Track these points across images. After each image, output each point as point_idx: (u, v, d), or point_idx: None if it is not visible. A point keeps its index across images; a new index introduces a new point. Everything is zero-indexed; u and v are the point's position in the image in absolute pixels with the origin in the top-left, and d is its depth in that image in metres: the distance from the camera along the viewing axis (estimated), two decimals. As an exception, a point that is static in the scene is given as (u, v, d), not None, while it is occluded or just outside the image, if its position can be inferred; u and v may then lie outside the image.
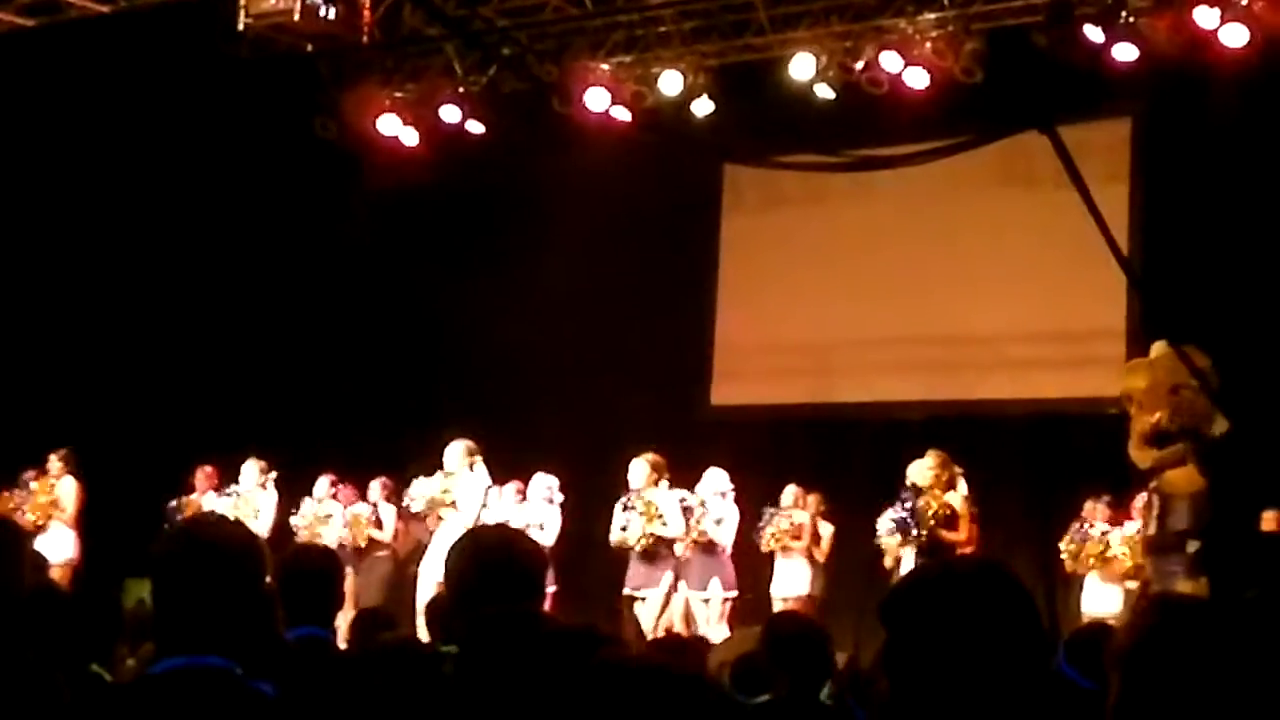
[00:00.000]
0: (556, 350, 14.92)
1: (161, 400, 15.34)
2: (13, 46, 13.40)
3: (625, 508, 11.80)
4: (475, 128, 14.13)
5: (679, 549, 11.94)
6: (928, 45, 12.44)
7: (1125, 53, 11.81)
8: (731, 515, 12.12)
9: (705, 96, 13.40)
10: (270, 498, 13.26)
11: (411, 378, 15.83)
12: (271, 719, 2.94)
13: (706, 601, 11.91)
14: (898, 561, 11.16)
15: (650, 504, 11.66)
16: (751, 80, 13.54)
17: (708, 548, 11.93)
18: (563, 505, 12.57)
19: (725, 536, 12.05)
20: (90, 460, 13.32)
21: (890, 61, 12.56)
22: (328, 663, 4.34)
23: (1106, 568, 12.12)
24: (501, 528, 4.21)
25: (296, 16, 12.26)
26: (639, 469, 11.84)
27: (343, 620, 6.80)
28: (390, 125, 14.20)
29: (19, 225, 14.78)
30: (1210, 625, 2.31)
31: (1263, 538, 10.81)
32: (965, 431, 12.70)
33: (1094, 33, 11.78)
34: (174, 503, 13.18)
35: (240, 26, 12.53)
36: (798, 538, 12.76)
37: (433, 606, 7.23)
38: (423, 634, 7.42)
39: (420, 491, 11.79)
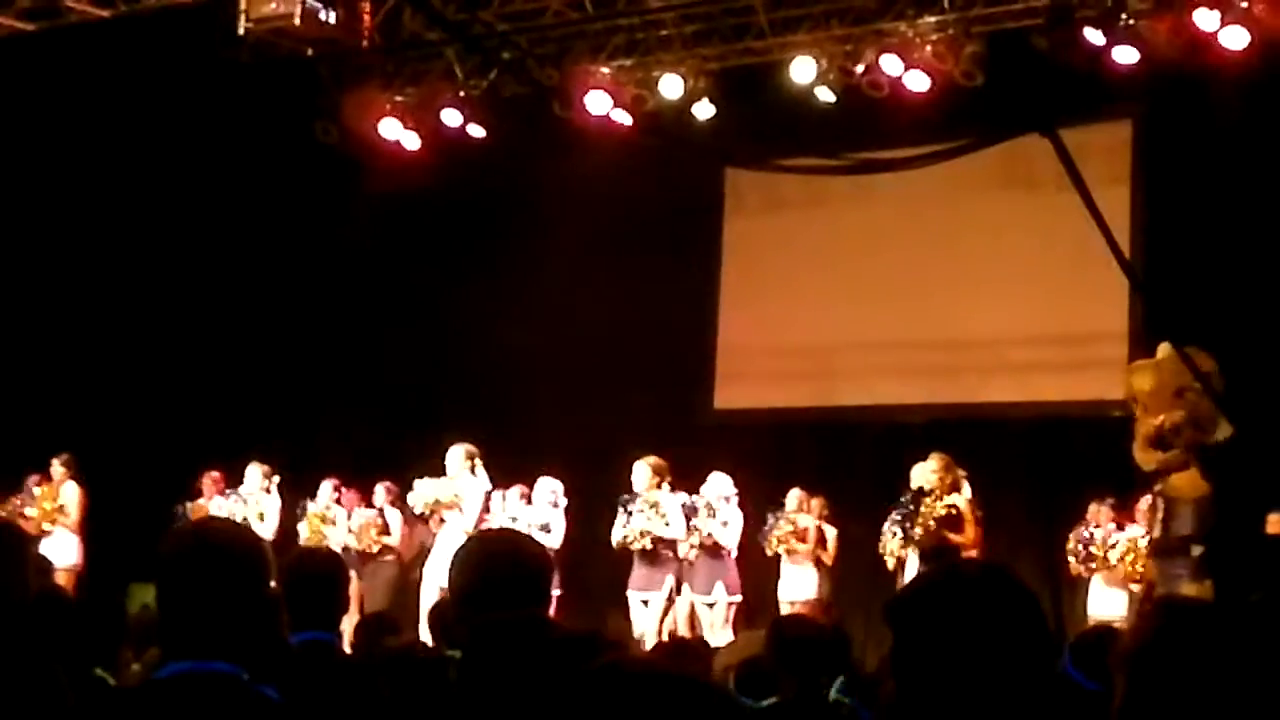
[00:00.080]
0: (559, 354, 14.92)
1: (164, 404, 15.34)
2: (13, 50, 13.40)
3: (626, 508, 11.82)
4: (476, 132, 14.14)
5: (682, 550, 11.95)
6: (928, 48, 12.44)
7: (1125, 55, 11.82)
8: (736, 519, 12.13)
9: (706, 100, 13.41)
10: (274, 502, 13.28)
11: (413, 382, 15.83)
12: (277, 724, 2.94)
13: (711, 605, 11.91)
14: (900, 564, 11.16)
15: (654, 503, 11.69)
16: (752, 83, 13.54)
17: (712, 552, 11.93)
18: (567, 509, 12.59)
19: (729, 540, 12.05)
20: (93, 465, 13.34)
21: (891, 64, 12.56)
22: (332, 667, 4.35)
23: (1111, 571, 12.11)
24: (506, 532, 4.21)
25: (297, 21, 12.26)
26: (641, 472, 11.87)
27: (347, 624, 6.81)
28: (391, 129, 14.22)
29: (21, 230, 14.78)
30: (1215, 628, 2.31)
31: (1267, 541, 10.81)
32: (967, 434, 12.69)
33: (1094, 35, 11.79)
34: (180, 508, 13.18)
35: (241, 31, 12.54)
36: (803, 541, 12.75)
37: (436, 611, 7.24)
38: (426, 638, 7.42)
39: (421, 493, 11.83)
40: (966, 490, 10.98)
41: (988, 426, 13.52)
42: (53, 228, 14.99)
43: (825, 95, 13.00)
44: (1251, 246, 12.50)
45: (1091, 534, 12.24)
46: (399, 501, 13.07)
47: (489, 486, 11.89)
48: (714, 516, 11.94)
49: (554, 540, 12.14)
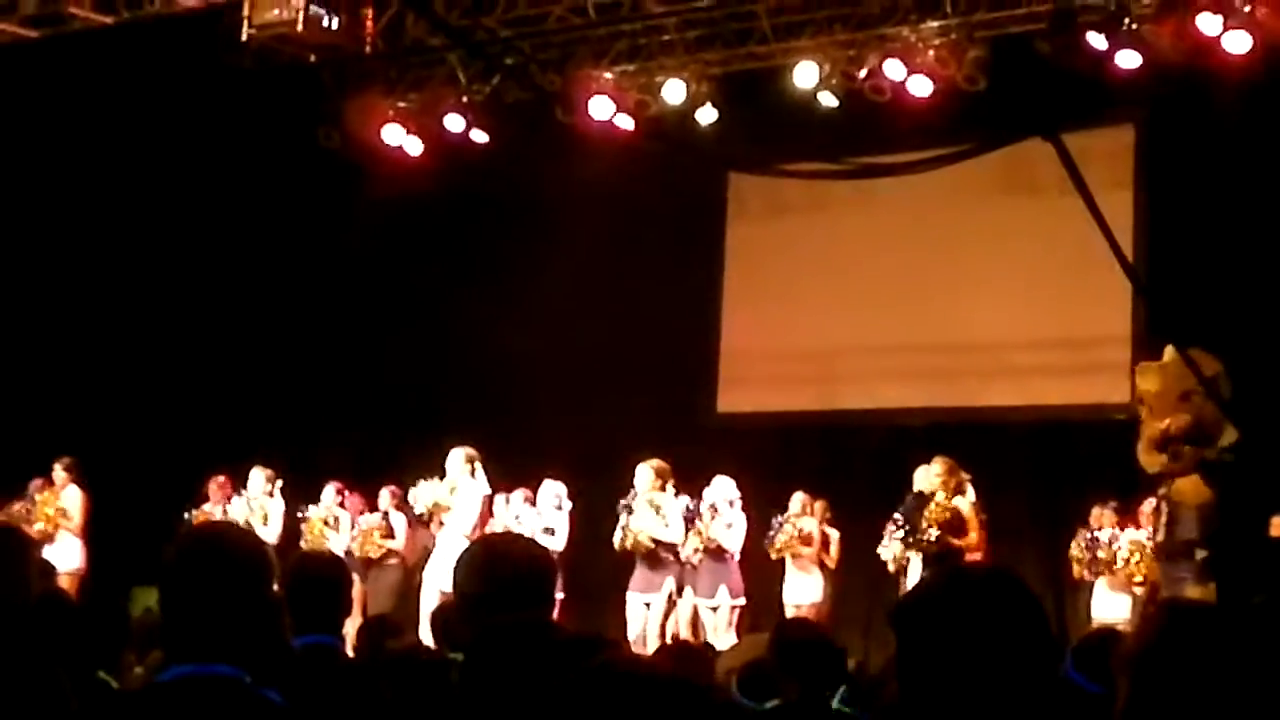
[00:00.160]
0: (562, 358, 14.93)
1: (167, 408, 15.36)
2: (16, 58, 13.42)
3: (626, 508, 11.84)
4: (479, 137, 14.14)
5: (684, 553, 11.95)
6: (931, 53, 12.44)
7: (1128, 60, 11.81)
8: (739, 522, 12.13)
9: (709, 105, 13.41)
10: (277, 506, 13.28)
11: (417, 385, 15.84)
12: (279, 727, 2.94)
13: (714, 609, 11.91)
14: (902, 568, 11.15)
15: (655, 505, 11.71)
16: (755, 88, 13.54)
17: (715, 555, 11.94)
18: (570, 512, 12.60)
19: (733, 543, 12.06)
20: (96, 469, 13.34)
21: (893, 69, 12.56)
22: (335, 670, 4.35)
23: (1115, 574, 12.10)
24: (511, 535, 4.21)
25: (300, 27, 12.27)
26: (644, 474, 11.90)
27: (349, 627, 6.80)
28: (394, 135, 14.23)
29: (25, 235, 14.81)
30: (1218, 631, 2.31)
31: (1271, 544, 10.80)
32: (970, 438, 12.69)
33: (1097, 40, 11.79)
34: (187, 514, 13.16)
35: (244, 37, 12.54)
36: (807, 545, 12.75)
37: (438, 614, 7.24)
38: (428, 641, 7.42)
39: (421, 496, 11.87)
40: (970, 494, 10.98)
41: (990, 430, 13.52)
42: (57, 233, 15.01)
43: (828, 100, 13.01)
44: (1254, 250, 12.50)
45: (1096, 537, 12.23)
46: (404, 505, 13.08)
47: (488, 490, 11.91)
48: (717, 519, 11.95)
49: (558, 543, 12.16)
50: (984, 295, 14.17)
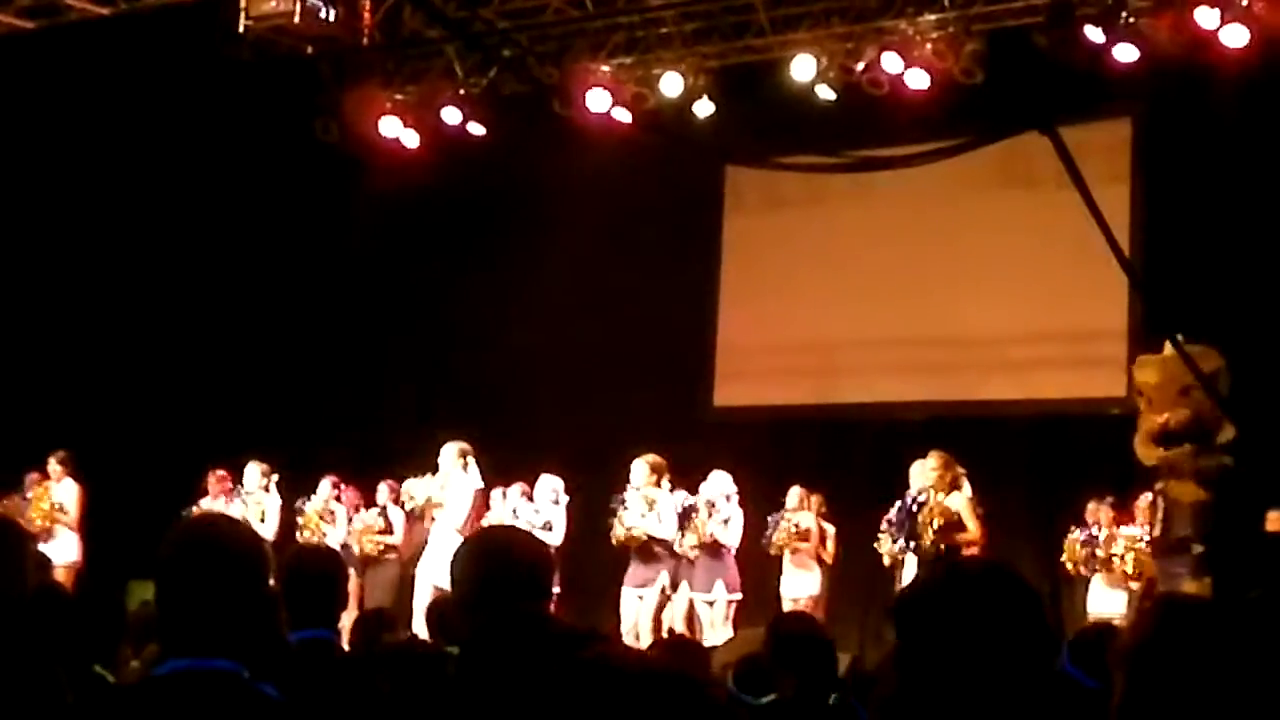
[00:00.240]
0: (559, 352, 14.92)
1: (163, 401, 15.34)
2: (13, 49, 13.40)
3: (620, 503, 11.84)
4: (476, 130, 14.13)
5: (680, 549, 11.94)
6: (928, 46, 12.44)
7: (1126, 53, 11.81)
8: (736, 517, 12.13)
9: (706, 98, 13.40)
10: (274, 501, 13.26)
11: (413, 379, 15.84)
12: (276, 721, 2.94)
13: (711, 604, 11.91)
14: (898, 562, 11.13)
15: (650, 500, 11.71)
16: (752, 81, 13.54)
17: (712, 550, 11.94)
18: (567, 507, 12.59)
19: (731, 539, 12.06)
20: (92, 462, 13.32)
21: (891, 62, 12.56)
22: (332, 664, 4.35)
23: (1111, 573, 12.10)
24: (508, 529, 4.21)
25: (297, 19, 12.25)
26: (639, 469, 11.90)
27: (345, 621, 6.80)
28: (391, 127, 14.21)
29: (21, 227, 14.78)
30: (1214, 625, 2.31)
31: (1267, 538, 10.80)
32: (967, 432, 12.69)
33: (1094, 33, 11.79)
34: (187, 511, 13.13)
35: (241, 29, 12.53)
36: (805, 540, 12.74)
37: (434, 608, 7.24)
38: (422, 635, 7.42)
39: (413, 491, 11.86)
40: (967, 488, 10.93)
41: (987, 424, 13.52)
42: (53, 225, 14.99)
43: (825, 93, 13.00)
44: (1251, 244, 12.50)
45: (1094, 535, 12.23)
46: (401, 500, 13.07)
47: (480, 484, 11.89)
48: (714, 515, 11.94)
49: (555, 538, 12.15)
50: (981, 289, 14.17)
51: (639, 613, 11.85)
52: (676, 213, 15.17)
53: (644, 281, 14.79)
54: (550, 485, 12.63)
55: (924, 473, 10.92)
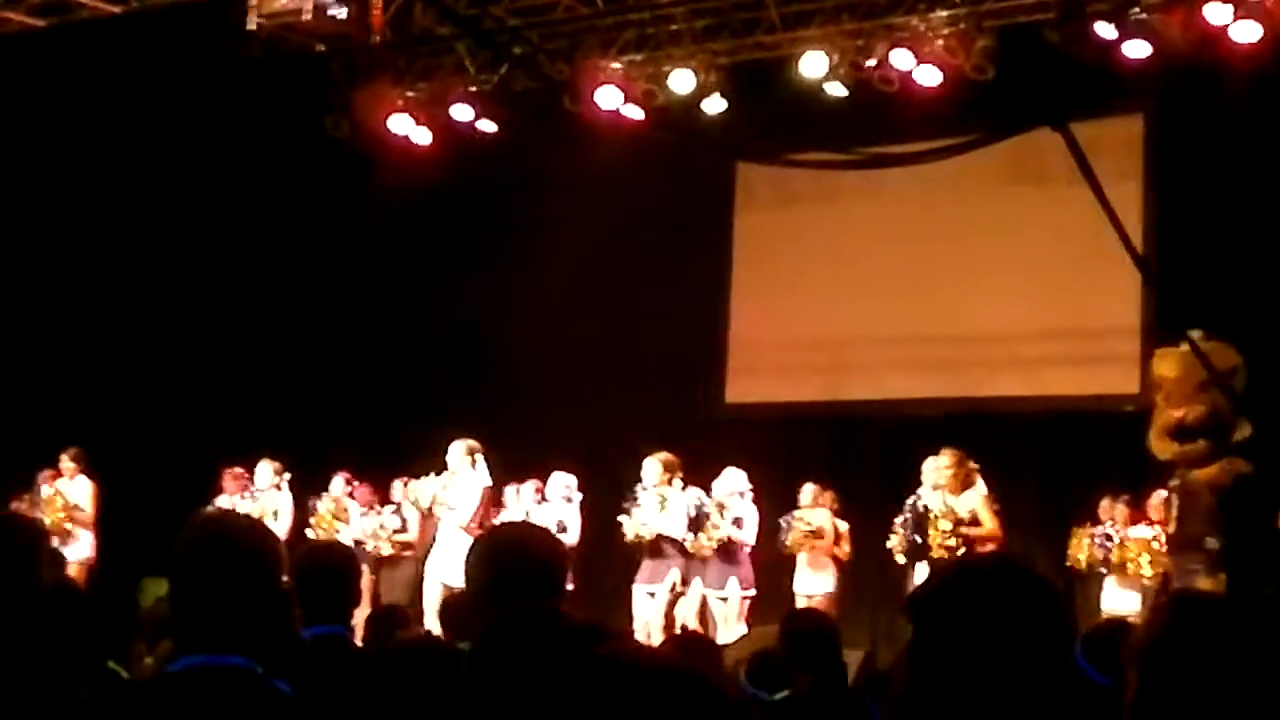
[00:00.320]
0: (570, 348, 14.92)
1: (175, 399, 15.37)
2: (24, 47, 13.42)
3: (632, 501, 11.83)
4: (487, 126, 14.14)
5: (693, 549, 11.91)
6: (939, 43, 12.42)
7: (1137, 49, 11.79)
8: (751, 514, 12.10)
9: (717, 94, 13.39)
10: (286, 499, 13.27)
11: (424, 376, 15.84)
12: (290, 717, 2.94)
13: (724, 600, 11.90)
14: (910, 560, 11.07)
15: (661, 498, 11.70)
16: (763, 78, 13.53)
17: (727, 546, 11.91)
18: (580, 504, 12.58)
19: (746, 536, 12.03)
20: (105, 460, 13.35)
21: (902, 59, 12.54)
22: (345, 661, 4.35)
23: (1123, 571, 12.06)
24: (522, 525, 4.22)
25: (307, 16, 12.25)
26: (652, 468, 11.87)
27: (358, 617, 6.81)
28: (402, 124, 14.22)
29: (31, 225, 14.81)
30: (1228, 622, 2.31)
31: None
32: (979, 429, 12.67)
33: (1106, 29, 11.77)
34: (204, 509, 13.14)
35: (251, 26, 12.53)
36: (820, 539, 12.69)
37: (447, 605, 7.24)
38: (435, 632, 7.43)
39: (422, 489, 11.87)
40: (981, 485, 10.86)
41: (999, 421, 13.50)
42: (63, 222, 15.01)
43: (836, 90, 12.99)
44: (1263, 240, 12.47)
45: (1108, 534, 12.20)
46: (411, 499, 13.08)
47: (489, 481, 11.87)
48: (725, 516, 11.89)
49: (570, 537, 12.13)
50: (993, 285, 14.15)
51: (650, 611, 11.83)
52: (687, 209, 15.17)
53: (655, 278, 14.79)
54: (563, 482, 12.63)
55: (937, 470, 10.86)
